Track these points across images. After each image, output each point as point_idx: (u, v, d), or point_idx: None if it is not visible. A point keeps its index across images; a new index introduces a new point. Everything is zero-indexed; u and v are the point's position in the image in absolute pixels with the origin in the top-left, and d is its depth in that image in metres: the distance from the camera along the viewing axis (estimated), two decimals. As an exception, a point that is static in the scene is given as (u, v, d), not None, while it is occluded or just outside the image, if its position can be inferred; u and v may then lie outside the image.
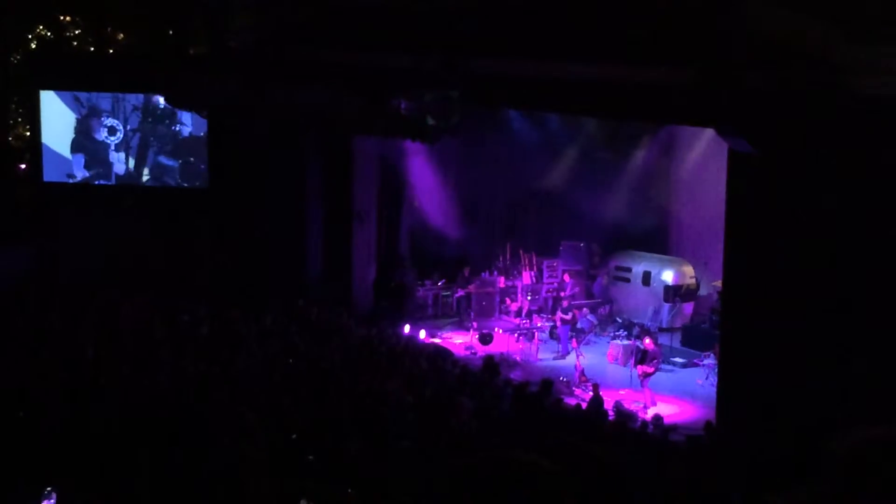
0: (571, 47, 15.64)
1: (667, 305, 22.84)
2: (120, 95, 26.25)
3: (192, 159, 25.84)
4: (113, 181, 26.20)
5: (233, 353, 16.23)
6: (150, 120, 26.36)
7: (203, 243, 23.82)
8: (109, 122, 26.52)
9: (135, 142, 26.78)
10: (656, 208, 23.82)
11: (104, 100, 26.50)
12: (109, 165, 27.20)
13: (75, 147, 26.83)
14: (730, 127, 14.02)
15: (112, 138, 26.68)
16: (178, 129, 26.49)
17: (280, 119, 20.59)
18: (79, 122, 26.62)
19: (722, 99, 13.67)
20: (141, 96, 25.97)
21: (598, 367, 20.35)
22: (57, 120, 25.55)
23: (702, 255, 22.33)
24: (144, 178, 26.53)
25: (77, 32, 29.57)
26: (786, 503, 2.55)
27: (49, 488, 8.25)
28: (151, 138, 26.67)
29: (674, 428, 15.28)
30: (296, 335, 17.84)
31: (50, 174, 25.46)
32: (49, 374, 13.43)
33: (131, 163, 26.69)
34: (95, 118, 26.60)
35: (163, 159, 26.89)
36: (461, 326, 23.42)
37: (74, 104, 26.70)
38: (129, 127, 26.38)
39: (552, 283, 24.50)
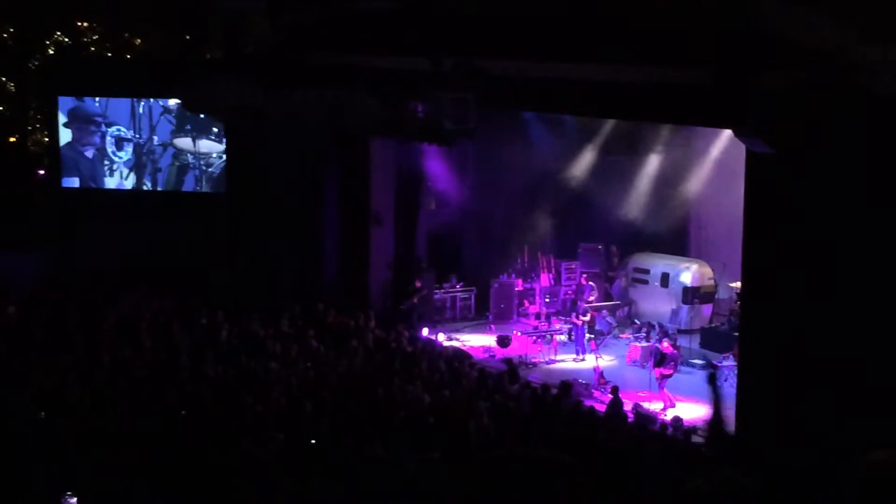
0: (588, 49, 15.61)
1: (685, 307, 22.74)
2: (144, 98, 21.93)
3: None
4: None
5: (251, 356, 16.28)
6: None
7: (221, 247, 23.84)
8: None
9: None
10: (675, 210, 23.70)
11: (117, 103, 21.74)
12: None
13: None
14: (747, 128, 13.96)
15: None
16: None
17: (297, 123, 20.61)
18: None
19: (739, 100, 13.62)
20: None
21: (617, 369, 20.31)
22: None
23: (720, 256, 22.20)
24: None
25: (94, 38, 29.69)
26: None
27: (69, 492, 8.29)
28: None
29: (694, 430, 15.24)
30: (313, 338, 17.87)
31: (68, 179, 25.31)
32: (68, 378, 13.50)
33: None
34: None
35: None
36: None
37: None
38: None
39: (570, 286, 24.44)
